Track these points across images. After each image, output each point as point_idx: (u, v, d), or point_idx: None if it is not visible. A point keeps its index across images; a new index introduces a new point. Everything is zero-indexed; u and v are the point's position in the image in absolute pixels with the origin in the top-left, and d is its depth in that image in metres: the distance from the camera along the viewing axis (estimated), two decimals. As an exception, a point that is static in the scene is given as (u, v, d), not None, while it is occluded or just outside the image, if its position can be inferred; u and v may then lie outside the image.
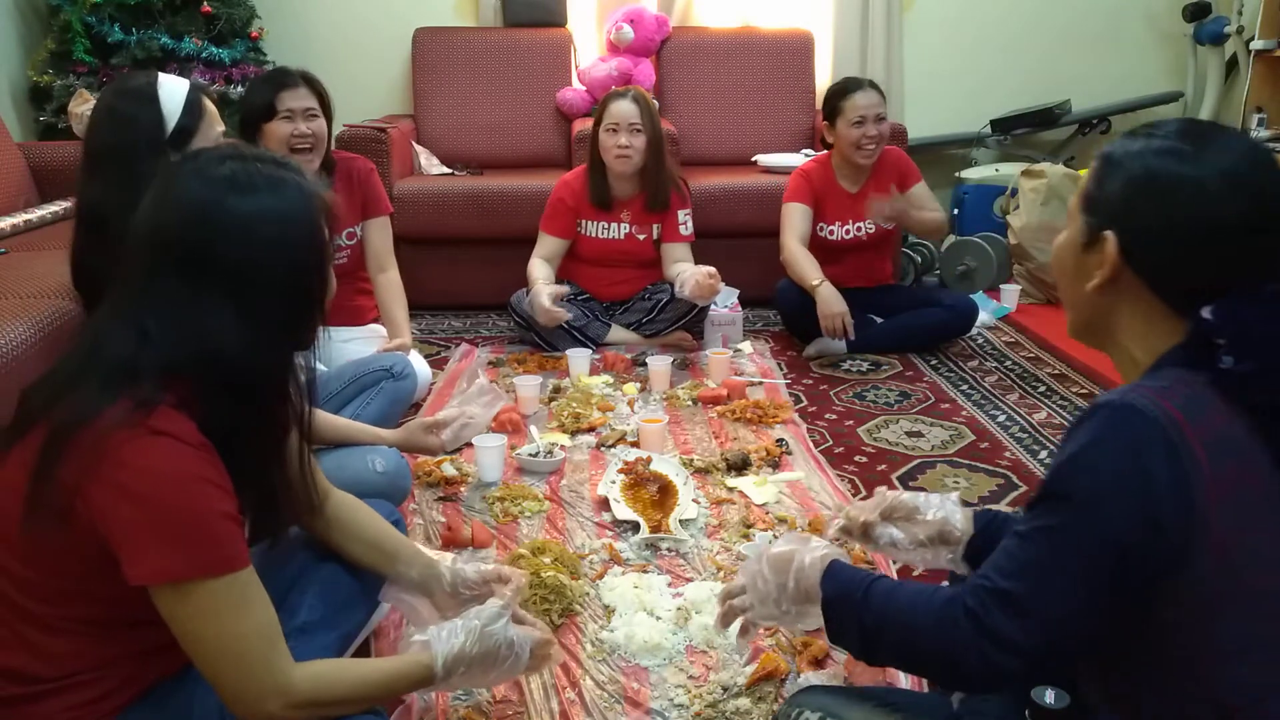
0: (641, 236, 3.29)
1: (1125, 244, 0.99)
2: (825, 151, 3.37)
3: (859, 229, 3.30)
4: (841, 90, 3.23)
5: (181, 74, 3.53)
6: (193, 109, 1.89)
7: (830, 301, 3.10)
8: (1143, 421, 0.90)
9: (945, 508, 1.32)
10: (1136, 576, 0.90)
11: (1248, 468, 0.91)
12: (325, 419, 1.98)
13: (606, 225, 3.28)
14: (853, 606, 1.08)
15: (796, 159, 3.71)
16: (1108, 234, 0.99)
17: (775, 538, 1.97)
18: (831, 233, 3.30)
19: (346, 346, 2.68)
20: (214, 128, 1.93)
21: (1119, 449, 0.90)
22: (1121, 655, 0.97)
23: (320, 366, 2.44)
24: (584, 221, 3.28)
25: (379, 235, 2.79)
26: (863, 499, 1.58)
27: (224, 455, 1.09)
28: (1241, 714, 0.90)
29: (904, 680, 1.52)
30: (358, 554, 1.46)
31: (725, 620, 1.27)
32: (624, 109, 3.12)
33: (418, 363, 2.63)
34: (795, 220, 3.26)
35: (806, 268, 3.17)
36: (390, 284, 2.79)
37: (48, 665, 1.10)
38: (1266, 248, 0.94)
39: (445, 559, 1.49)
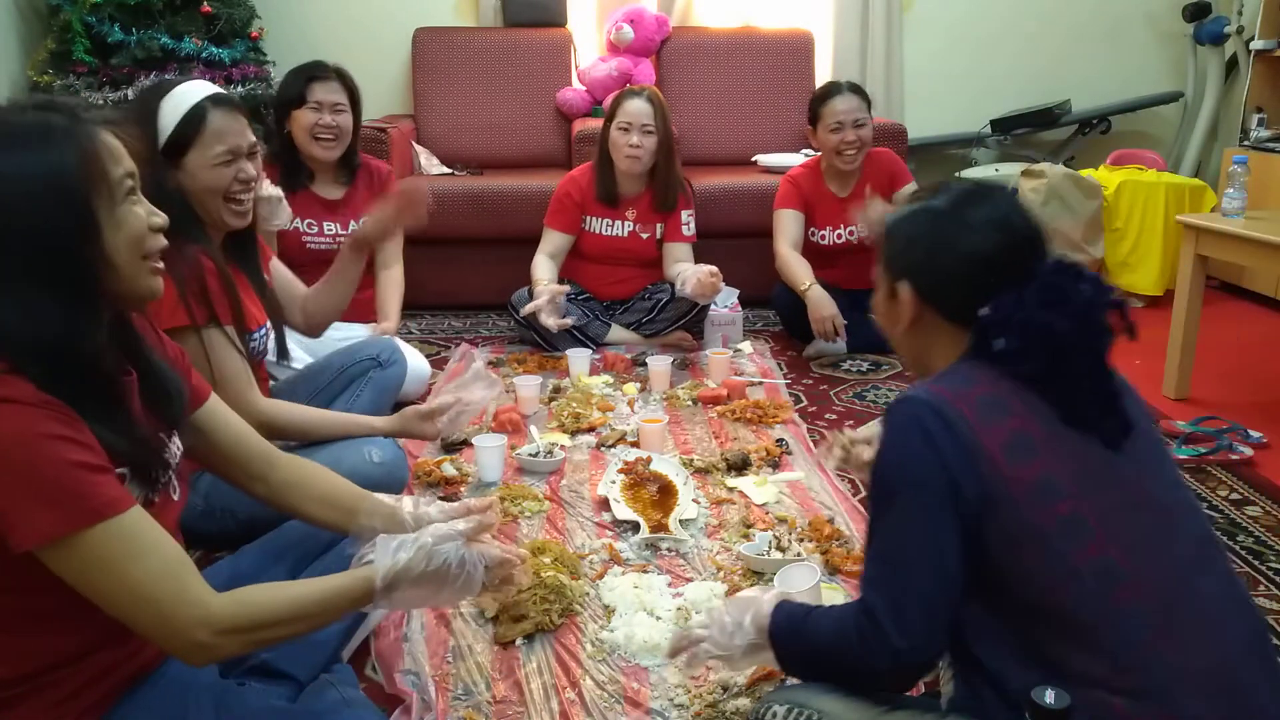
0: (645, 235, 3.29)
1: (917, 289, 1.23)
2: (817, 155, 3.37)
3: (850, 233, 3.30)
4: (821, 95, 3.25)
5: (181, 74, 3.57)
6: (190, 122, 1.80)
7: (820, 304, 3.10)
8: (917, 406, 1.12)
9: None
10: (965, 532, 1.09)
11: (1025, 420, 1.10)
12: (317, 415, 1.97)
13: (611, 222, 3.28)
14: (793, 639, 1.23)
15: (796, 159, 3.71)
16: (902, 284, 1.24)
17: (776, 538, 1.97)
18: (823, 237, 3.31)
19: (345, 344, 2.68)
20: (216, 145, 1.82)
21: (905, 437, 1.12)
22: (979, 614, 1.12)
23: (305, 358, 2.45)
24: (588, 218, 3.28)
25: None
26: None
27: (79, 409, 1.04)
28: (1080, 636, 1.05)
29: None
30: (314, 513, 1.41)
31: (676, 649, 1.37)
32: (638, 108, 3.12)
33: (409, 353, 2.66)
34: (786, 225, 3.27)
35: (798, 271, 3.17)
36: (391, 278, 2.88)
37: (10, 666, 1.07)
38: (1021, 264, 1.17)
39: (406, 503, 1.39)
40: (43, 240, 1.03)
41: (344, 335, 2.71)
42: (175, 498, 1.20)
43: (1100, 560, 1.06)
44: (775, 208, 3.30)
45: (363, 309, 2.82)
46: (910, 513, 1.10)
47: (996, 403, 1.11)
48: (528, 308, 3.09)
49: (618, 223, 3.28)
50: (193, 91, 1.84)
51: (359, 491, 1.44)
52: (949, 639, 1.12)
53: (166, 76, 1.98)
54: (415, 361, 2.67)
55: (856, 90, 3.23)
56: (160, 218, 1.14)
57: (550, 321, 3.05)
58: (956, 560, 1.09)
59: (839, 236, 3.31)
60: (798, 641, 1.22)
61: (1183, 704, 1.02)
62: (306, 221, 2.75)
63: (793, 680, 1.43)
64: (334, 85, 2.67)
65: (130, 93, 3.54)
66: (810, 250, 3.29)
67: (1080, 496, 1.08)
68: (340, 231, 2.78)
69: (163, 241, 1.14)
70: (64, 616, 1.08)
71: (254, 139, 1.90)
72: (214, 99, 1.84)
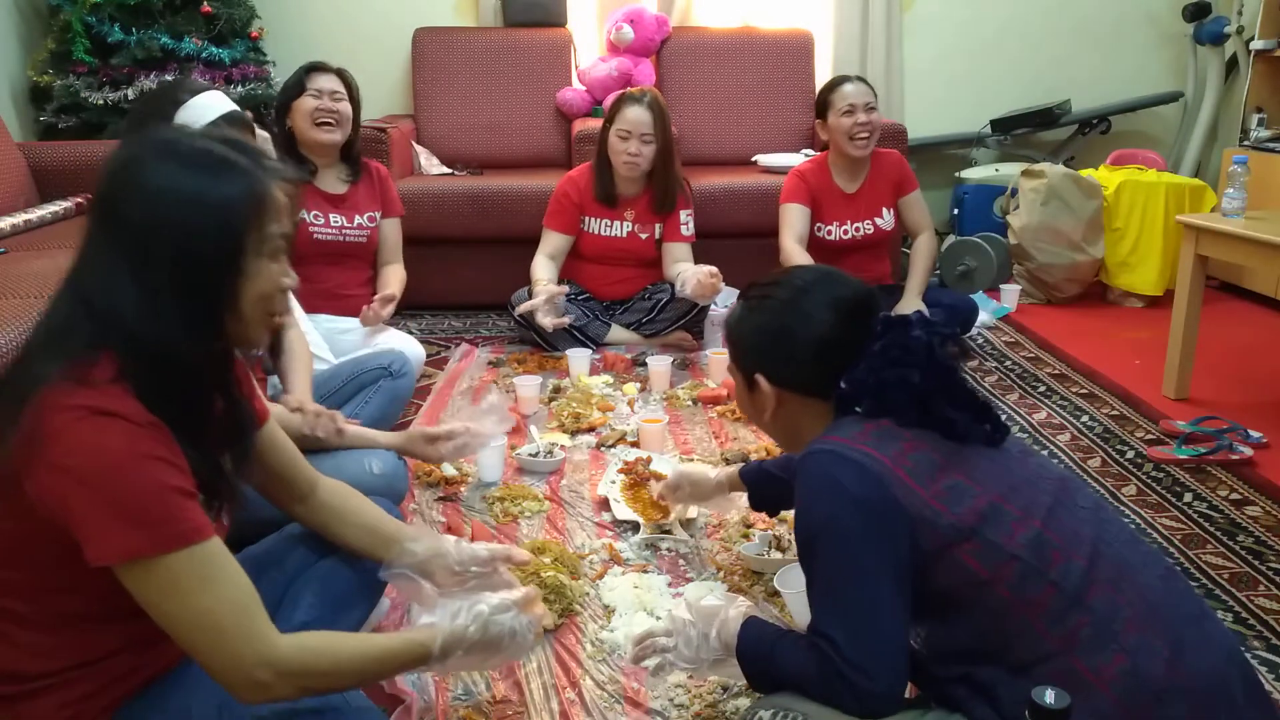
0: (644, 235, 3.29)
1: (772, 378, 1.33)
2: (822, 152, 3.37)
3: (857, 229, 3.29)
4: (830, 84, 3.25)
5: (181, 74, 3.57)
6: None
7: None
8: (824, 458, 1.20)
9: (718, 473, 1.89)
10: (902, 559, 1.15)
11: (916, 444, 1.20)
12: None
13: (610, 223, 3.28)
14: (761, 661, 1.26)
15: (796, 159, 3.71)
16: (758, 376, 1.34)
17: (776, 538, 1.97)
18: (830, 233, 3.30)
19: (343, 338, 2.69)
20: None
21: (823, 487, 1.19)
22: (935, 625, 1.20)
23: (328, 358, 2.45)
24: (587, 218, 3.28)
25: (391, 232, 2.95)
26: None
27: (175, 432, 1.07)
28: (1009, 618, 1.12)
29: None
30: (353, 539, 1.42)
31: (638, 657, 1.41)
32: (638, 117, 3.11)
33: (405, 341, 2.70)
34: (793, 220, 3.25)
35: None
36: (393, 271, 2.94)
37: (37, 662, 1.09)
38: (860, 329, 1.28)
39: (448, 538, 1.44)
40: (193, 256, 1.07)
41: (344, 327, 2.72)
42: (226, 523, 1.22)
43: (1028, 534, 1.14)
44: (781, 201, 3.29)
45: (358, 309, 2.82)
46: (850, 557, 1.16)
47: (887, 434, 1.21)
48: (523, 306, 3.09)
49: (616, 223, 3.28)
50: (209, 107, 1.87)
51: (396, 523, 1.47)
52: (909, 672, 1.18)
53: (178, 78, 1.97)
54: (412, 349, 2.68)
55: (864, 81, 3.24)
56: (291, 279, 1.18)
57: (546, 321, 3.05)
58: (903, 591, 1.16)
59: (845, 233, 3.30)
60: (766, 665, 1.26)
61: (1128, 640, 1.09)
62: (313, 213, 2.77)
63: None
64: (332, 76, 2.73)
65: (130, 93, 3.55)
66: (816, 246, 3.28)
67: (989, 490, 1.17)
68: (345, 224, 2.80)
69: (287, 301, 1.20)
70: (90, 619, 1.10)
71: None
72: (229, 118, 1.87)
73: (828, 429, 1.27)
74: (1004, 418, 2.65)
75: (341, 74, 2.76)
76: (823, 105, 3.24)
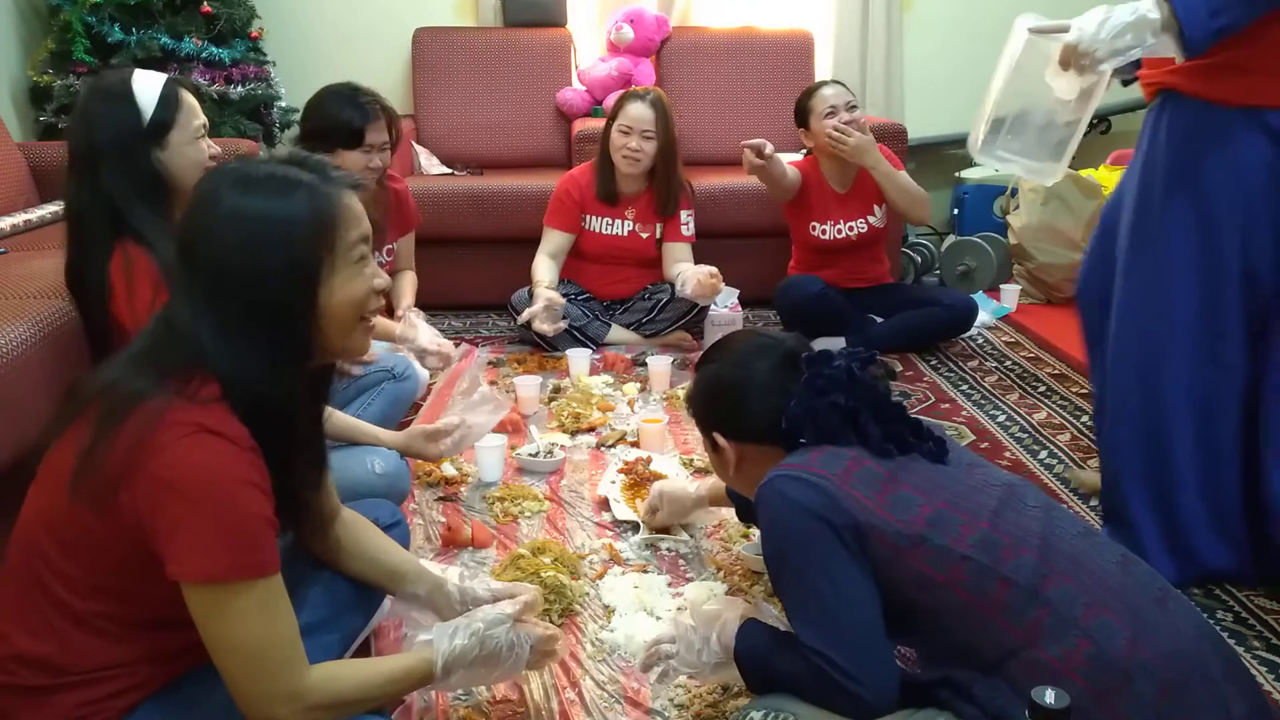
0: (644, 235, 3.29)
1: (730, 435, 1.45)
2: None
3: (850, 228, 3.28)
4: (806, 92, 3.27)
5: (181, 74, 3.57)
6: (168, 102, 1.88)
7: None
8: (782, 484, 1.27)
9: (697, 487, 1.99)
10: (864, 568, 1.22)
11: (859, 461, 1.28)
12: (327, 413, 1.97)
13: (610, 221, 3.28)
14: (758, 664, 1.30)
15: (796, 159, 3.71)
16: (716, 435, 1.46)
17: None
18: (824, 232, 3.29)
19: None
20: (193, 120, 1.93)
21: (784, 512, 1.26)
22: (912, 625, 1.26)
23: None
24: (588, 217, 3.28)
25: (407, 244, 2.95)
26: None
27: (266, 457, 1.10)
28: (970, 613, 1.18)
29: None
30: (360, 571, 1.44)
31: (646, 664, 1.46)
32: (640, 113, 3.12)
33: (416, 369, 2.64)
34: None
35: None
36: (407, 279, 2.92)
37: (73, 658, 1.11)
38: (795, 374, 1.38)
39: (451, 574, 1.47)
40: (261, 284, 1.08)
41: None
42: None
43: (976, 535, 1.20)
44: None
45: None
46: (818, 566, 1.23)
47: (832, 457, 1.29)
48: (523, 316, 3.10)
49: (617, 222, 3.28)
50: (154, 75, 1.93)
51: (404, 556, 1.49)
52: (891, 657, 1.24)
53: (106, 71, 1.99)
54: (420, 373, 2.66)
55: (839, 83, 3.25)
56: (383, 279, 1.20)
57: (545, 328, 3.07)
58: (874, 590, 1.23)
59: (839, 232, 3.29)
60: (763, 668, 1.30)
61: (1089, 623, 1.13)
62: None
63: None
64: (382, 124, 2.51)
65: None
66: (809, 246, 3.29)
67: (934, 498, 1.24)
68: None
69: (381, 302, 1.21)
70: (137, 629, 1.13)
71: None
72: (175, 80, 1.95)
73: (779, 466, 1.33)
74: (1004, 418, 2.70)
75: (387, 112, 2.52)
76: (803, 112, 3.24)
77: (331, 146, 2.46)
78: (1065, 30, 1.61)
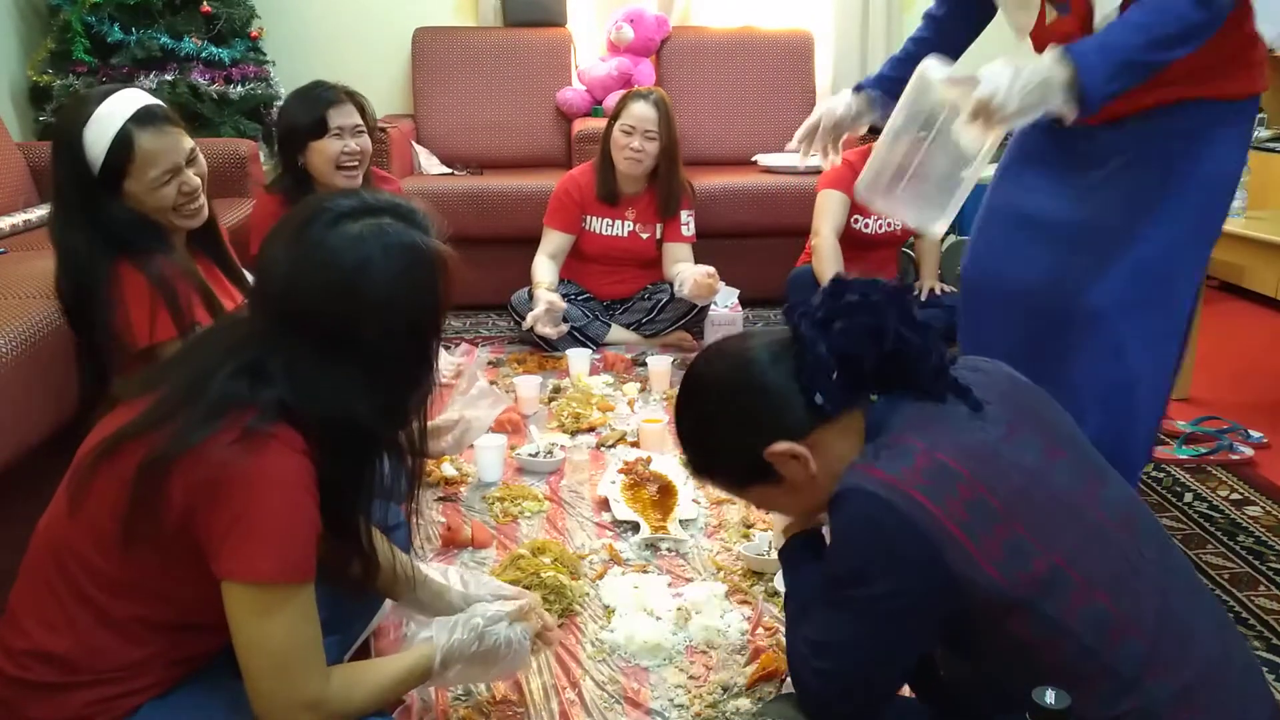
0: (645, 235, 3.29)
1: (783, 434, 1.13)
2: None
3: (890, 224, 3.26)
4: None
5: (181, 74, 3.57)
6: (120, 150, 1.73)
7: None
8: (871, 504, 1.04)
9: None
10: (931, 623, 1.08)
11: (974, 482, 1.04)
12: None
13: (611, 222, 3.28)
14: (791, 566, 1.30)
15: (796, 159, 3.70)
16: (773, 448, 1.13)
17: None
18: (866, 226, 3.26)
19: None
20: (149, 170, 1.76)
21: (864, 538, 1.06)
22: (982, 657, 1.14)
23: None
24: (588, 217, 3.28)
25: None
26: None
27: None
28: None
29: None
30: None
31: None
32: (642, 113, 3.12)
33: None
34: (832, 208, 3.17)
35: (828, 265, 3.11)
36: None
37: (89, 658, 1.11)
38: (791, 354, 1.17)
39: (451, 574, 1.47)
40: (391, 346, 1.12)
41: None
42: None
43: (1089, 609, 1.04)
44: (821, 187, 3.22)
45: None
46: (877, 628, 1.09)
47: (942, 470, 1.05)
48: (527, 321, 3.10)
49: (618, 222, 3.28)
50: (115, 113, 1.74)
51: (405, 560, 1.48)
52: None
53: (87, 92, 1.84)
54: None
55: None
56: None
57: (547, 331, 3.07)
58: (913, 656, 1.14)
59: (881, 226, 3.27)
60: (791, 573, 1.29)
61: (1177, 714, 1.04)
62: None
63: (789, 688, 1.44)
64: (349, 108, 2.50)
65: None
66: (848, 239, 3.24)
67: (1051, 548, 1.04)
68: None
69: None
70: (157, 630, 1.13)
71: (191, 145, 1.83)
72: (137, 118, 1.74)
73: (864, 454, 1.10)
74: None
75: (352, 96, 2.53)
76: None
77: (301, 142, 2.47)
78: (976, 82, 1.53)
